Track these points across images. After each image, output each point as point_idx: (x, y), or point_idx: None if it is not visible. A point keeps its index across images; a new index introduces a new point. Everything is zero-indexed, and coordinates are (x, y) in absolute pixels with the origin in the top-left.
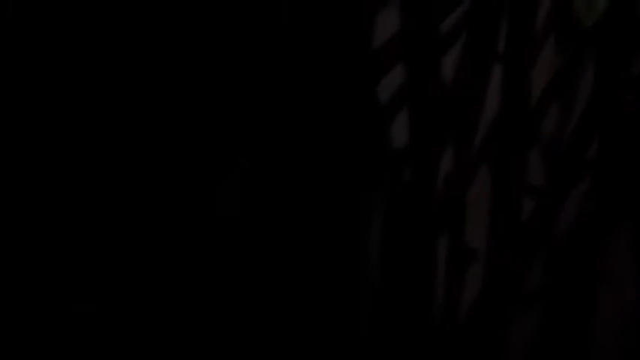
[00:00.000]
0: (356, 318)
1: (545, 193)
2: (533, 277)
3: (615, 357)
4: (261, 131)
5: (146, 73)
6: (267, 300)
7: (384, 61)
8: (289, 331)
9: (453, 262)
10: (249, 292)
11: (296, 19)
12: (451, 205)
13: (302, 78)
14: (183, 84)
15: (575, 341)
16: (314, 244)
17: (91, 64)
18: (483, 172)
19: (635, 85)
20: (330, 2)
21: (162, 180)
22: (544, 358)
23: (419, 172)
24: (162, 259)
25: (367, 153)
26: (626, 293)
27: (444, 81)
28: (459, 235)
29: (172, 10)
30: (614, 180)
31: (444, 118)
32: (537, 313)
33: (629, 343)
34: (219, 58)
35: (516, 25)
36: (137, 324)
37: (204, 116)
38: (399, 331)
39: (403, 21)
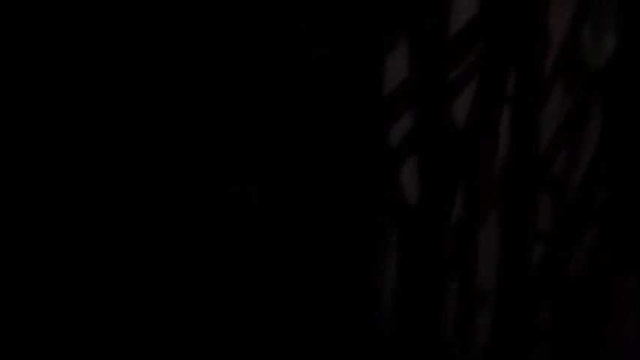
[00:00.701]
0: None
1: (555, 238)
2: (543, 319)
3: None
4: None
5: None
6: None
7: (395, 107)
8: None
9: (464, 304)
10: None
11: (308, 62)
12: (462, 248)
13: (313, 120)
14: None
15: None
16: (319, 277)
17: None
18: (493, 216)
19: None
20: (339, 47)
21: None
22: None
23: (430, 217)
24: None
25: (377, 194)
26: (635, 333)
27: (453, 126)
28: (469, 278)
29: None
30: (626, 222)
31: (455, 162)
32: (547, 355)
33: None
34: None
35: (525, 69)
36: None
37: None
38: None
39: (412, 68)
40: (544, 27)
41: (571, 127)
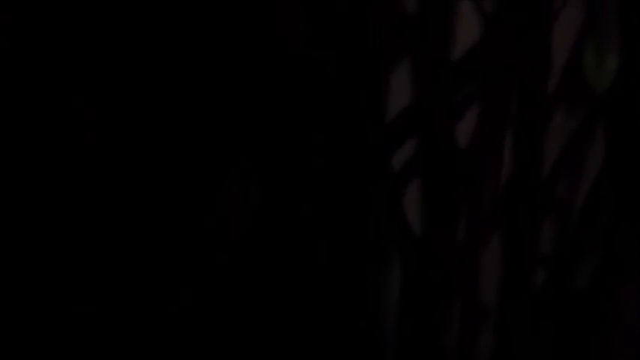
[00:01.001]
0: None
1: (558, 259)
2: (545, 337)
3: None
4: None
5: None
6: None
7: (398, 130)
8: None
9: (466, 324)
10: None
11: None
12: (464, 269)
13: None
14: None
15: None
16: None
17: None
18: (496, 237)
19: None
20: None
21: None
22: None
23: (433, 238)
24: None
25: (380, 220)
26: (636, 349)
27: (456, 148)
28: (472, 299)
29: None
30: (629, 242)
31: (457, 184)
32: None
33: None
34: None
35: (528, 90)
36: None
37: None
38: None
39: (415, 91)
40: (547, 48)
41: (574, 147)
